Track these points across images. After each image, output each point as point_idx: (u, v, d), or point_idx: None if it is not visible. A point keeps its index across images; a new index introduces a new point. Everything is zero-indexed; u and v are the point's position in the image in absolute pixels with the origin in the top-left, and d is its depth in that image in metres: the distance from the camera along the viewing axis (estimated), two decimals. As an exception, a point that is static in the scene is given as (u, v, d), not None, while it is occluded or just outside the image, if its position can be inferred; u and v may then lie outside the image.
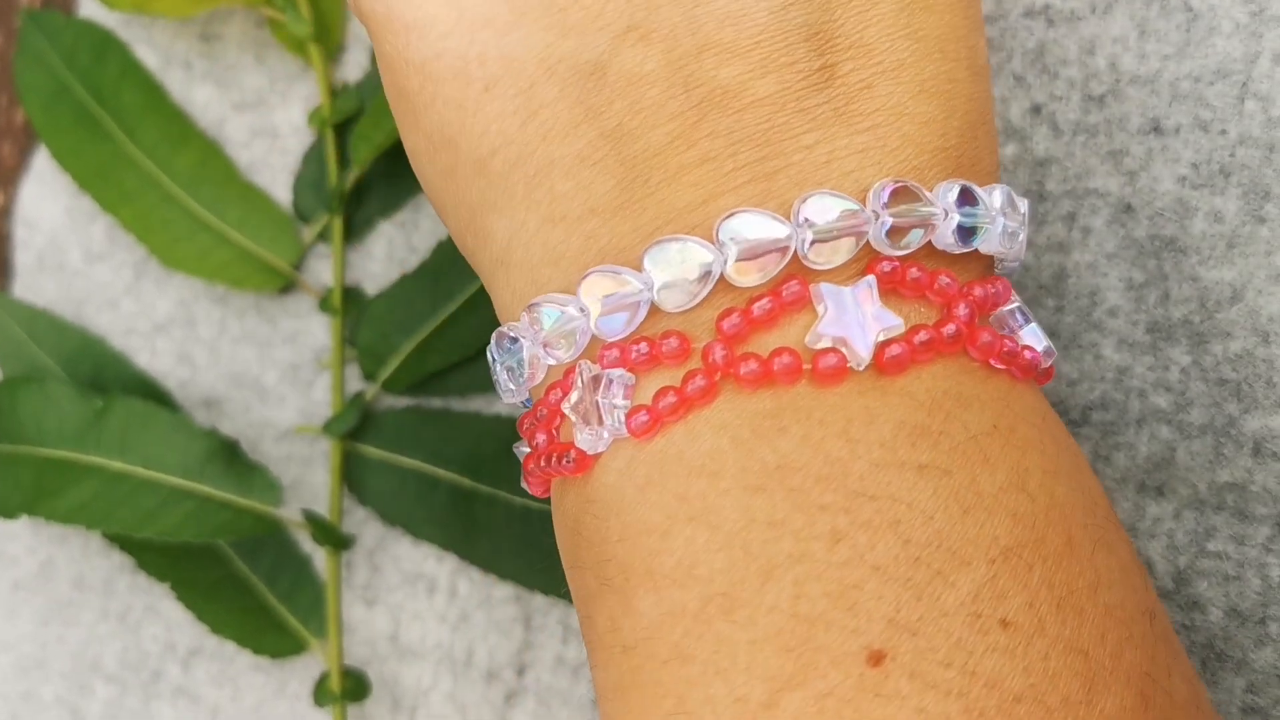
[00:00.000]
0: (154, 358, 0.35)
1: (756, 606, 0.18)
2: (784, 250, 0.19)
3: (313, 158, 0.34)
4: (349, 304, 0.34)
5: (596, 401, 0.20)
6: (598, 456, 0.20)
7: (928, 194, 0.20)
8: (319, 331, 0.34)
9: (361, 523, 0.34)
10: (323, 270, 0.34)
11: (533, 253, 0.21)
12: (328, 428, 0.33)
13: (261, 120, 0.35)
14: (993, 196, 0.21)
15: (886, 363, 0.19)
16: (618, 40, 0.20)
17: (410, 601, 0.33)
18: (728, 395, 0.19)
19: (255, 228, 0.34)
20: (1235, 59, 0.27)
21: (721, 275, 0.20)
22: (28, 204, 0.37)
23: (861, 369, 0.19)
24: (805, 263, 0.20)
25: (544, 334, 0.20)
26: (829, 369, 0.19)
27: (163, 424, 0.33)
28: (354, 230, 0.34)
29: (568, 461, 0.20)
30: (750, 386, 0.19)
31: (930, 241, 0.20)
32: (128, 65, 0.35)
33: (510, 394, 0.22)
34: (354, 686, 0.33)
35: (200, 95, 0.36)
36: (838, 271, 0.20)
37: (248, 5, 0.34)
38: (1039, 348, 0.21)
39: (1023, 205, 0.22)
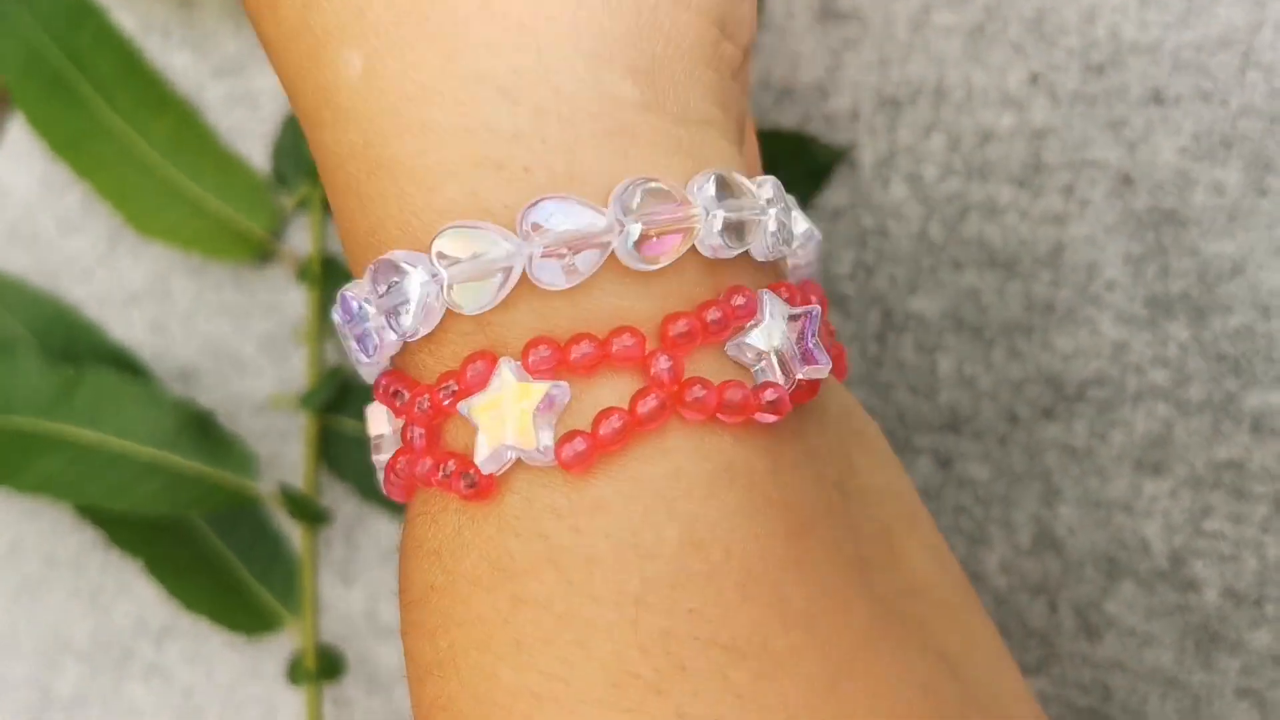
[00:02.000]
0: (129, 329, 0.35)
1: None
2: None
3: (292, 125, 0.33)
4: (328, 274, 0.33)
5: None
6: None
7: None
8: (297, 303, 0.34)
9: (340, 499, 0.33)
10: (302, 240, 0.34)
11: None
12: (304, 400, 0.32)
13: (240, 87, 0.34)
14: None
15: (469, 494, 0.17)
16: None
17: (389, 579, 0.32)
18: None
19: (233, 196, 0.33)
20: (1238, 28, 0.26)
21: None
22: (1, 173, 0.36)
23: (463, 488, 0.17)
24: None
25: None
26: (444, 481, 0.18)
27: (134, 395, 0.32)
28: (334, 200, 0.33)
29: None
30: (439, 490, 0.18)
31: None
32: (104, 31, 0.35)
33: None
34: (329, 665, 0.32)
35: (178, 61, 0.35)
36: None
37: (227, -32, 0.33)
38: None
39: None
